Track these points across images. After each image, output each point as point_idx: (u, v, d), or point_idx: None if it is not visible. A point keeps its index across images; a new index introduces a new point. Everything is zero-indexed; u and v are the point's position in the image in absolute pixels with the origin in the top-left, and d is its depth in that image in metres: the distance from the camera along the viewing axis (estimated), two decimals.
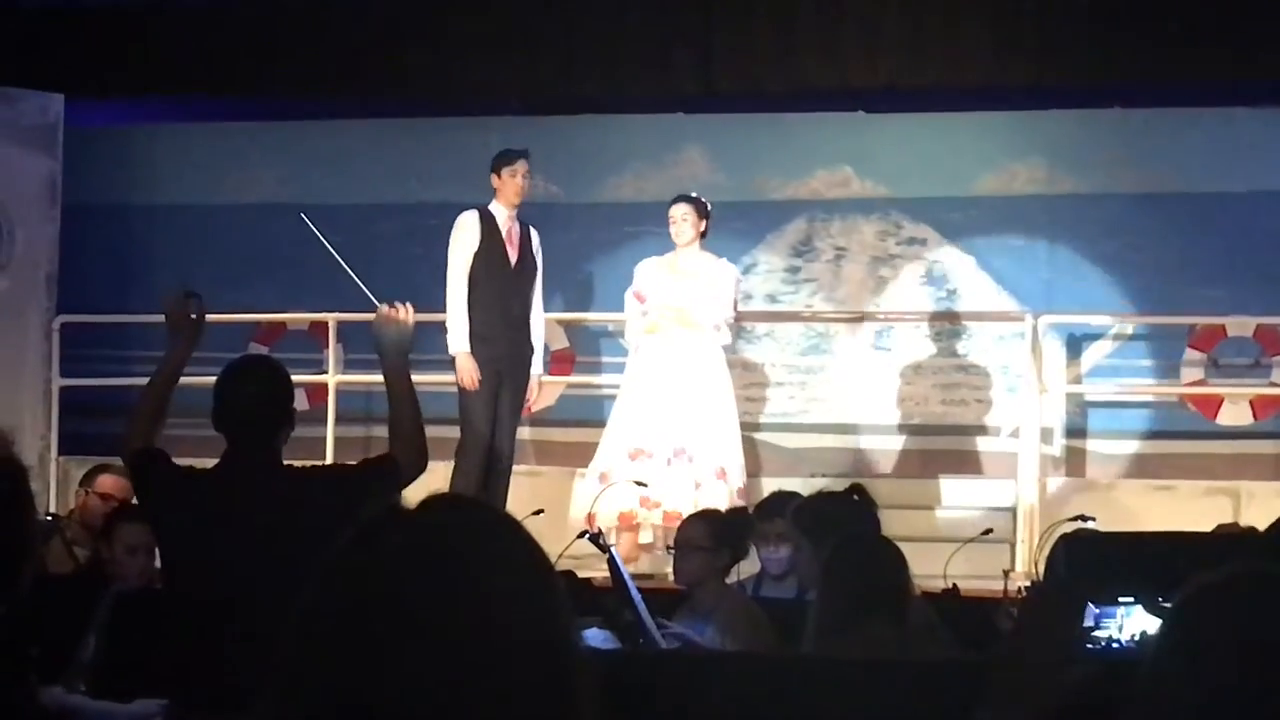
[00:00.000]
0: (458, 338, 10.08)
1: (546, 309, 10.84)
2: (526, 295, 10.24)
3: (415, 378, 5.52)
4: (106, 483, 9.00)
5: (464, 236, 10.19)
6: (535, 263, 10.29)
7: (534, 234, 10.34)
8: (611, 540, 10.03)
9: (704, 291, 10.40)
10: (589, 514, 10.04)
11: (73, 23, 12.05)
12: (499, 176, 10.22)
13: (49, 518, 9.36)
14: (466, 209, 10.33)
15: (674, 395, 10.30)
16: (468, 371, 10.01)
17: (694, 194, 10.63)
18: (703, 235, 10.47)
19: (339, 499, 5.15)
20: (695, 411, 10.32)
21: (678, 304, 10.39)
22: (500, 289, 10.13)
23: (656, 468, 10.21)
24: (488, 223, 10.20)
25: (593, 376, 12.37)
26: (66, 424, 12.08)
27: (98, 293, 12.58)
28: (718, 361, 10.49)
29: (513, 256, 10.20)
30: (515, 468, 10.42)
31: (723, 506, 8.98)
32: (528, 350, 10.23)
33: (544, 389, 12.33)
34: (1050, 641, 3.18)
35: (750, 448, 11.13)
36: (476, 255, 10.14)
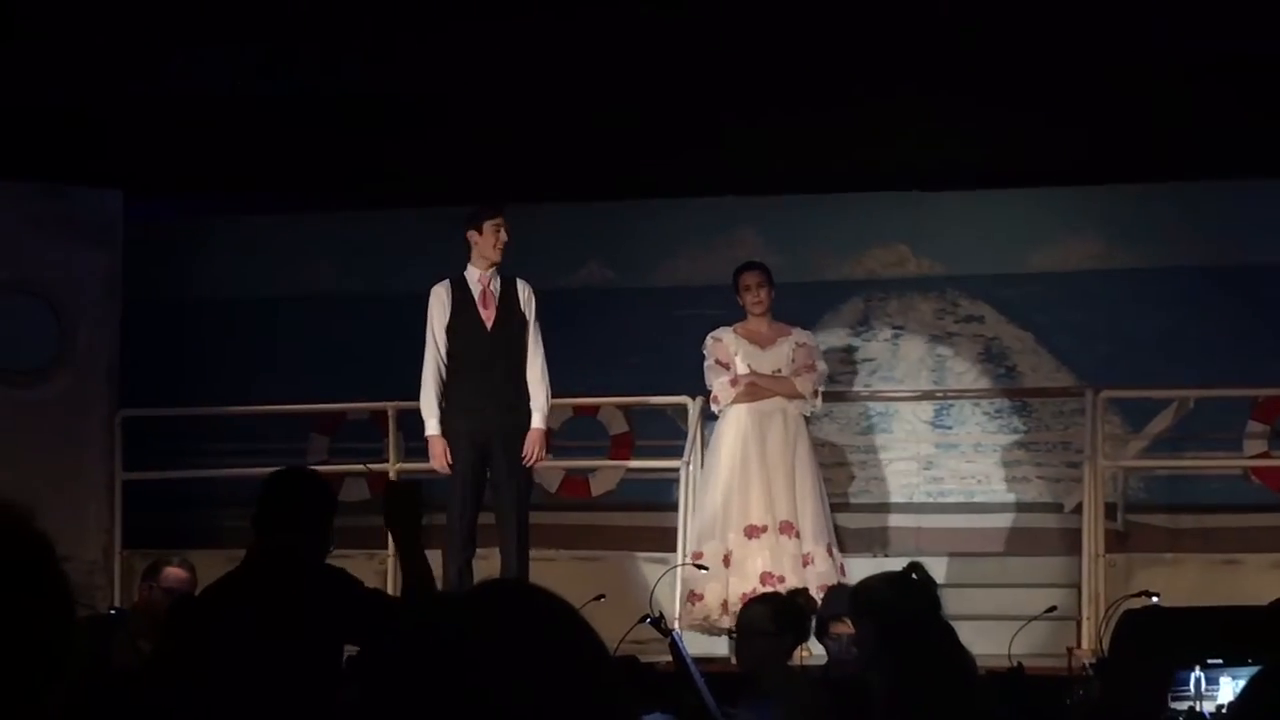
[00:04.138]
0: (427, 421, 9.75)
1: (600, 391, 10.72)
2: (511, 355, 9.72)
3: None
4: (170, 575, 9.06)
5: (434, 310, 9.80)
6: (524, 318, 9.75)
7: (522, 289, 9.81)
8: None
9: (792, 358, 10.36)
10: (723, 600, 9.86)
11: (129, 118, 12.13)
12: (479, 232, 9.75)
13: (113, 611, 9.40)
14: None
15: (774, 467, 10.20)
16: (436, 455, 9.69)
17: (758, 260, 10.66)
18: None
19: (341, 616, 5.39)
20: (797, 484, 10.23)
21: (767, 372, 10.33)
22: (479, 355, 9.71)
23: (770, 543, 10.08)
24: (459, 290, 9.81)
25: (651, 460, 12.34)
26: (129, 517, 12.11)
27: (159, 386, 12.62)
28: (805, 431, 10.43)
29: (487, 318, 9.74)
30: (576, 552, 10.34)
31: (831, 584, 8.99)
32: (524, 412, 9.70)
33: (605, 473, 12.36)
34: (1133, 714, 3.16)
35: None
36: (450, 326, 9.75)
